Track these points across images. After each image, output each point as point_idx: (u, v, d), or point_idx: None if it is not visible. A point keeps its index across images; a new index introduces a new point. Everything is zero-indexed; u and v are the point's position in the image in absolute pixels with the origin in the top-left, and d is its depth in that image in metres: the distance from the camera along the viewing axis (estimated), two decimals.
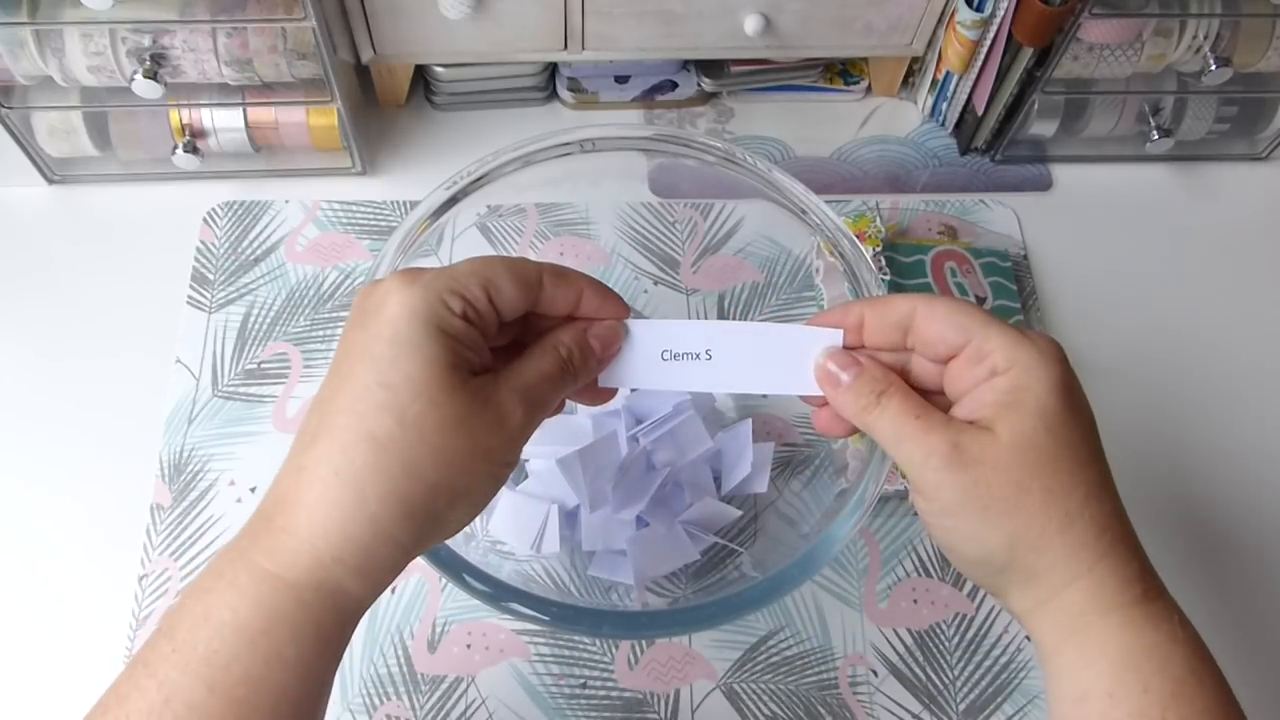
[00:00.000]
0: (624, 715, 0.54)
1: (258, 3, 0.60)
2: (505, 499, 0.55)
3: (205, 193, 0.69)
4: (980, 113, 0.71)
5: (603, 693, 0.55)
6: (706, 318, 0.63)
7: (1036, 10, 0.62)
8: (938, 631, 0.57)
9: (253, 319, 0.65)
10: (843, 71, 0.77)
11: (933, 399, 0.38)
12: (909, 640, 0.57)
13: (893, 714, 0.55)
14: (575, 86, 0.75)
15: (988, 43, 0.67)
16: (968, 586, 0.58)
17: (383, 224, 0.69)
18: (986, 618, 0.58)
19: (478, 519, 0.55)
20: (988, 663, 0.56)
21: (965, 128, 0.74)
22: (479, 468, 0.35)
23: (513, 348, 0.39)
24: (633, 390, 0.57)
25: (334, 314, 0.65)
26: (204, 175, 0.70)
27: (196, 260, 0.67)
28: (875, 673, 0.56)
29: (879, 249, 0.65)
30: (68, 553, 0.57)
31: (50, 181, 0.70)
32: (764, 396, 0.60)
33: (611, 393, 0.42)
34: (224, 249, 0.68)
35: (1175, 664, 0.35)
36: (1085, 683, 0.35)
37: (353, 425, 0.33)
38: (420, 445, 0.33)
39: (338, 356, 0.35)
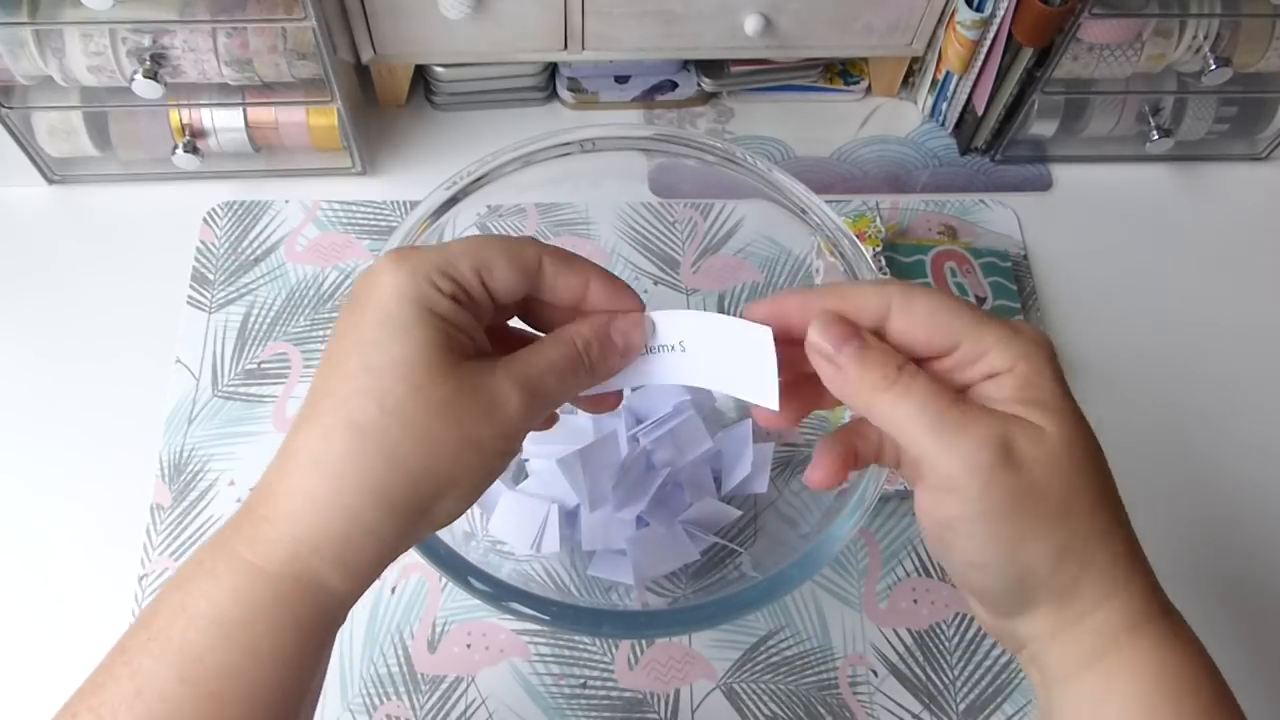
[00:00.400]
0: (624, 715, 0.54)
1: (258, 3, 0.60)
2: (505, 498, 0.55)
3: (205, 193, 0.69)
4: (980, 113, 0.71)
5: (603, 693, 0.55)
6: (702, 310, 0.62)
7: (1036, 10, 0.62)
8: (938, 631, 0.57)
9: (253, 319, 0.65)
10: (843, 71, 0.77)
11: None
12: (909, 640, 0.57)
13: (893, 714, 0.55)
14: (575, 86, 0.75)
15: (988, 43, 0.67)
16: None
17: (383, 224, 0.69)
18: None
19: (478, 519, 0.55)
20: (988, 663, 0.56)
21: (965, 128, 0.74)
22: (468, 457, 0.32)
23: (519, 341, 0.37)
24: (633, 389, 0.57)
25: (334, 314, 0.65)
26: (204, 175, 0.69)
27: (196, 260, 0.67)
28: (875, 673, 0.56)
29: (879, 249, 0.65)
30: (68, 553, 0.57)
31: (50, 181, 0.70)
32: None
33: (616, 401, 0.40)
34: (224, 249, 0.68)
35: (1204, 685, 0.33)
36: (1113, 711, 0.32)
37: (335, 410, 0.32)
38: (402, 432, 0.31)
39: (330, 342, 0.34)
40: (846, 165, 0.74)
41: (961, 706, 0.55)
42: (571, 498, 0.55)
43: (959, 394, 0.33)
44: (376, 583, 0.56)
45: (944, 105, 0.74)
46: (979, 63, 0.69)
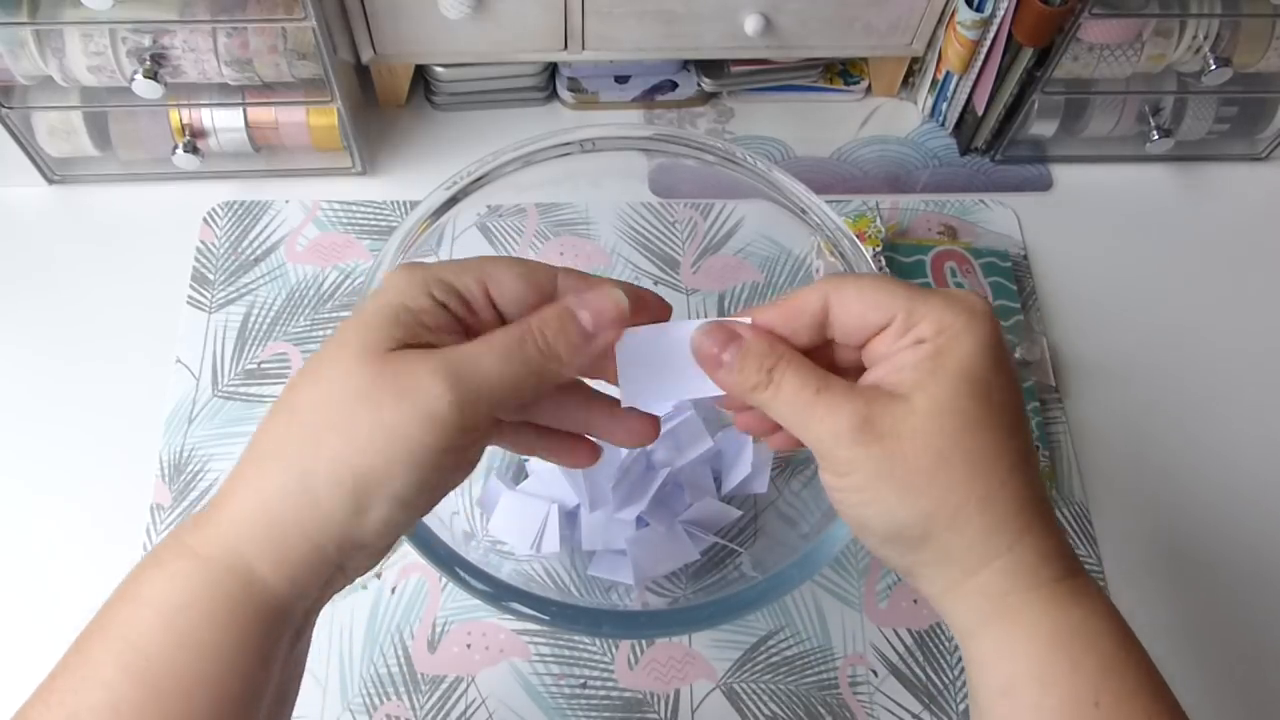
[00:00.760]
0: (624, 715, 0.54)
1: (258, 3, 0.60)
2: (505, 498, 0.55)
3: (205, 193, 0.69)
4: (980, 113, 0.71)
5: (603, 693, 0.55)
6: (706, 318, 0.62)
7: (1036, 10, 0.62)
8: (938, 631, 0.57)
9: (253, 319, 0.65)
10: (843, 71, 0.77)
11: (849, 378, 0.35)
12: (909, 640, 0.57)
13: (893, 714, 0.55)
14: (575, 86, 0.75)
15: (988, 43, 0.67)
16: None
17: (383, 224, 0.69)
18: None
19: (478, 519, 0.55)
20: None
21: (965, 128, 0.74)
22: (389, 447, 0.30)
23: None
24: None
25: (334, 314, 0.65)
26: (204, 175, 0.69)
27: (196, 260, 0.67)
28: (875, 673, 0.56)
29: (879, 249, 0.65)
30: (68, 553, 0.57)
31: (50, 181, 0.70)
32: None
33: (651, 427, 0.38)
34: (224, 249, 0.68)
35: (1104, 640, 0.32)
36: (1011, 670, 0.32)
37: (282, 398, 0.32)
38: (325, 415, 0.30)
39: None
40: (846, 165, 0.74)
41: (961, 706, 0.55)
42: (571, 498, 0.55)
43: (826, 378, 0.33)
44: (376, 582, 0.57)
45: (944, 105, 0.74)
46: (979, 63, 0.69)
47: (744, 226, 0.63)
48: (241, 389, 0.62)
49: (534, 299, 0.34)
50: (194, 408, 0.62)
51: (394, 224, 0.69)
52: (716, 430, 0.57)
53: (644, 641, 0.56)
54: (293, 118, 0.67)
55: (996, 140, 0.73)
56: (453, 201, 0.49)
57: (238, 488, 0.32)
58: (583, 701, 0.55)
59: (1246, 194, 0.75)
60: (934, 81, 0.74)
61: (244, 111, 0.66)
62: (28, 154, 0.67)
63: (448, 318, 0.33)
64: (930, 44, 0.72)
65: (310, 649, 0.35)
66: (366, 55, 0.68)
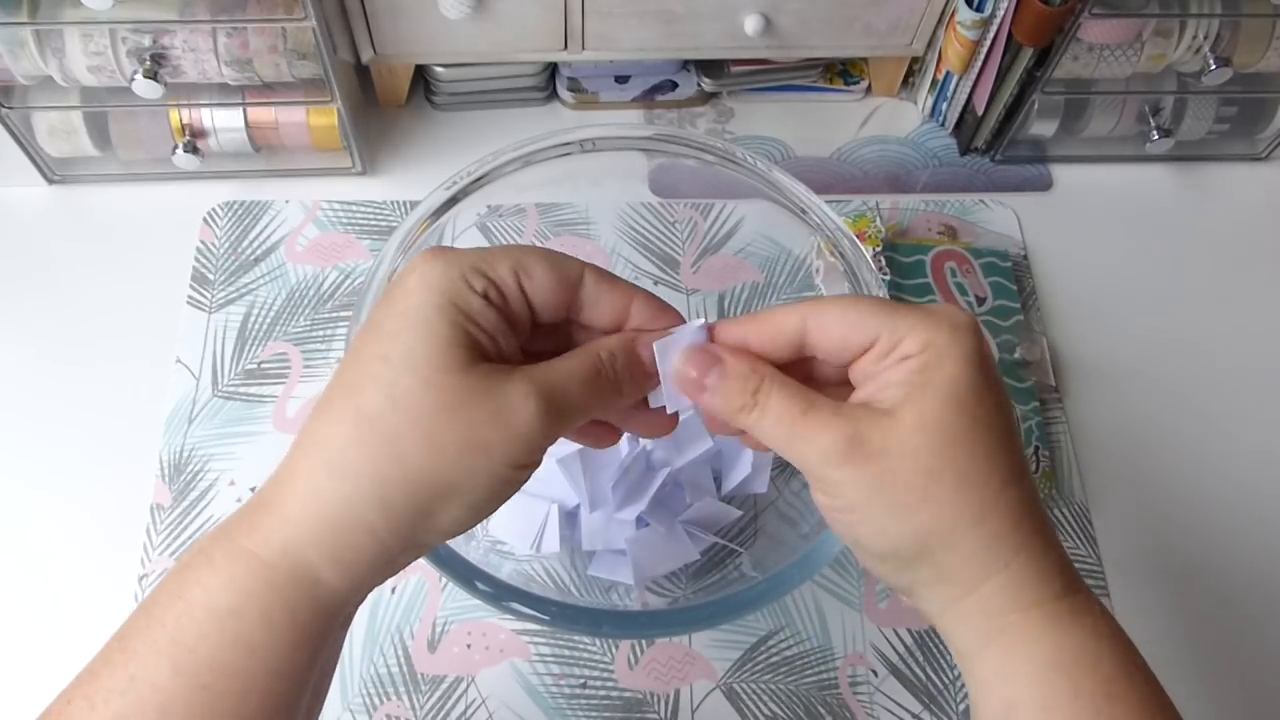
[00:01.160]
0: (624, 715, 0.54)
1: (258, 3, 0.60)
2: None
3: (205, 193, 0.69)
4: (980, 113, 0.71)
5: (603, 693, 0.55)
6: (706, 318, 0.63)
7: (1036, 10, 0.62)
8: (938, 632, 0.57)
9: (253, 319, 0.65)
10: (843, 71, 0.77)
11: (830, 391, 0.34)
12: (909, 640, 0.57)
13: (893, 714, 0.55)
14: (575, 86, 0.75)
15: (988, 43, 0.67)
16: None
17: (383, 224, 0.69)
18: None
19: None
20: None
21: (965, 128, 0.74)
22: (474, 462, 0.31)
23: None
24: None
25: (334, 314, 0.65)
26: (204, 175, 0.70)
27: (196, 260, 0.67)
28: (875, 673, 0.56)
29: (879, 249, 0.65)
30: (68, 553, 0.57)
31: (50, 181, 0.70)
32: None
33: (674, 422, 0.38)
34: (224, 249, 0.68)
35: (1106, 662, 0.32)
36: (1011, 694, 0.32)
37: (344, 398, 0.31)
38: (406, 425, 0.30)
39: (357, 333, 0.33)
40: (846, 165, 0.74)
41: (961, 706, 0.55)
42: (571, 498, 0.55)
43: (813, 398, 0.33)
44: None
45: (944, 105, 0.74)
46: (979, 63, 0.69)
47: (744, 226, 0.63)
48: (241, 389, 0.62)
49: (562, 293, 0.34)
50: (194, 408, 0.62)
51: (394, 224, 0.69)
52: None
53: (644, 641, 0.56)
54: (293, 118, 0.67)
55: (996, 140, 0.73)
56: (453, 201, 0.49)
57: (296, 489, 0.31)
58: (583, 701, 0.55)
59: (1246, 194, 0.75)
60: (934, 81, 0.74)
61: (244, 111, 0.66)
62: (28, 154, 0.67)
63: (496, 317, 0.33)
64: (930, 44, 0.72)
65: None
66: (366, 55, 0.68)
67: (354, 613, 0.34)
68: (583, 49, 0.69)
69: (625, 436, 0.55)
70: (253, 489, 0.59)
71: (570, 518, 0.56)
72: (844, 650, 0.56)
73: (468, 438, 0.31)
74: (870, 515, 0.32)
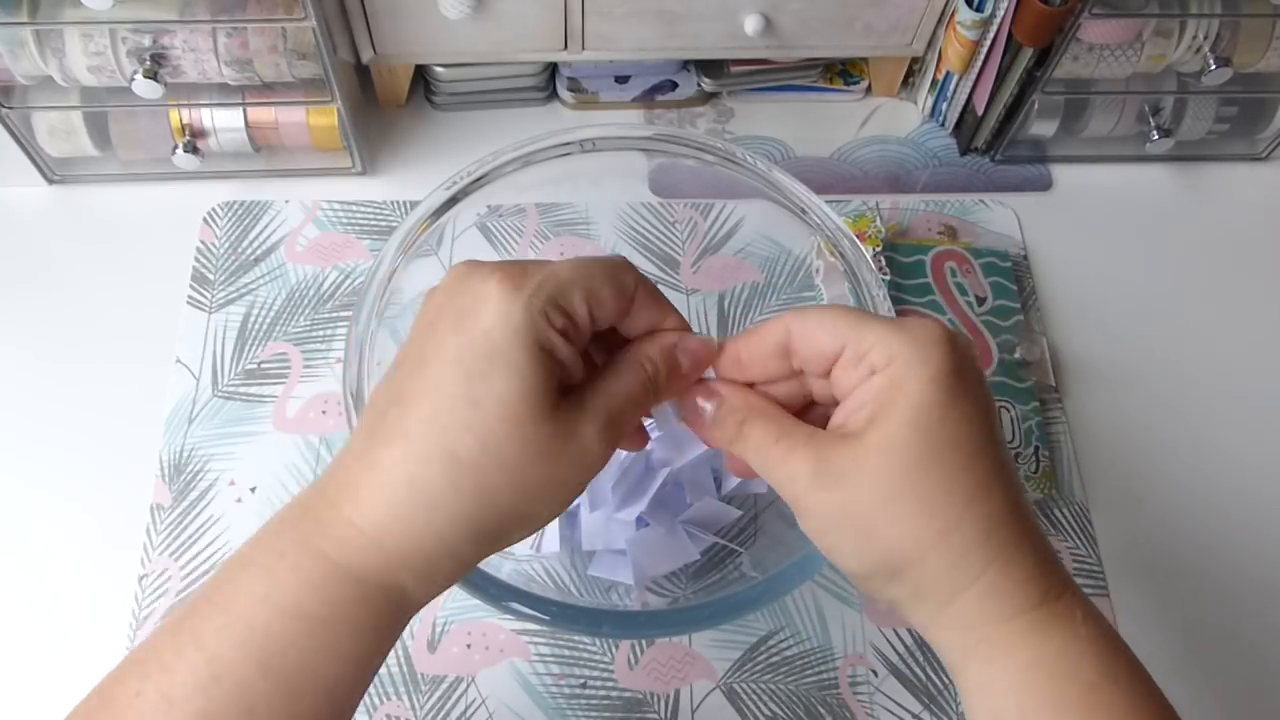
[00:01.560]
0: (624, 715, 0.54)
1: (258, 3, 0.60)
2: None
3: (205, 193, 0.69)
4: (980, 113, 0.71)
5: (603, 693, 0.55)
6: (706, 318, 0.63)
7: (1036, 10, 0.62)
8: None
9: (253, 319, 0.65)
10: (843, 71, 0.77)
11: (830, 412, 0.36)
12: (909, 640, 0.57)
13: (893, 714, 0.55)
14: (575, 86, 0.75)
15: (988, 43, 0.67)
16: None
17: (383, 224, 0.69)
18: None
19: None
20: None
21: (965, 128, 0.74)
22: (554, 496, 0.34)
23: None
24: None
25: (334, 314, 0.65)
26: (204, 175, 0.70)
27: (196, 260, 0.67)
28: (875, 673, 0.56)
29: (879, 249, 0.65)
30: (68, 553, 0.57)
31: (50, 181, 0.70)
32: None
33: (646, 438, 0.41)
34: (224, 249, 0.68)
35: (1085, 669, 0.32)
36: (994, 706, 0.32)
37: (433, 436, 0.32)
38: (499, 472, 0.32)
39: (424, 350, 0.33)
40: (846, 165, 0.74)
41: (961, 707, 0.55)
42: None
43: (787, 427, 0.35)
44: None
45: (944, 105, 0.74)
46: (979, 63, 0.69)
47: (744, 226, 0.63)
48: (241, 389, 0.62)
49: (619, 311, 0.36)
50: (194, 408, 0.62)
51: (394, 224, 0.69)
52: None
53: (644, 641, 0.56)
54: (293, 118, 0.67)
55: (996, 140, 0.73)
56: (453, 201, 0.49)
57: (378, 512, 0.32)
58: (583, 701, 0.55)
59: (1246, 194, 0.75)
60: (934, 81, 0.74)
61: (244, 111, 0.66)
62: (28, 154, 0.67)
63: (573, 351, 0.34)
64: (930, 44, 0.72)
65: None
66: (366, 55, 0.69)
67: None
68: (583, 49, 0.69)
69: None
70: (253, 489, 0.59)
71: (570, 518, 0.56)
72: (844, 650, 0.56)
73: (552, 479, 0.33)
74: (842, 539, 0.34)
